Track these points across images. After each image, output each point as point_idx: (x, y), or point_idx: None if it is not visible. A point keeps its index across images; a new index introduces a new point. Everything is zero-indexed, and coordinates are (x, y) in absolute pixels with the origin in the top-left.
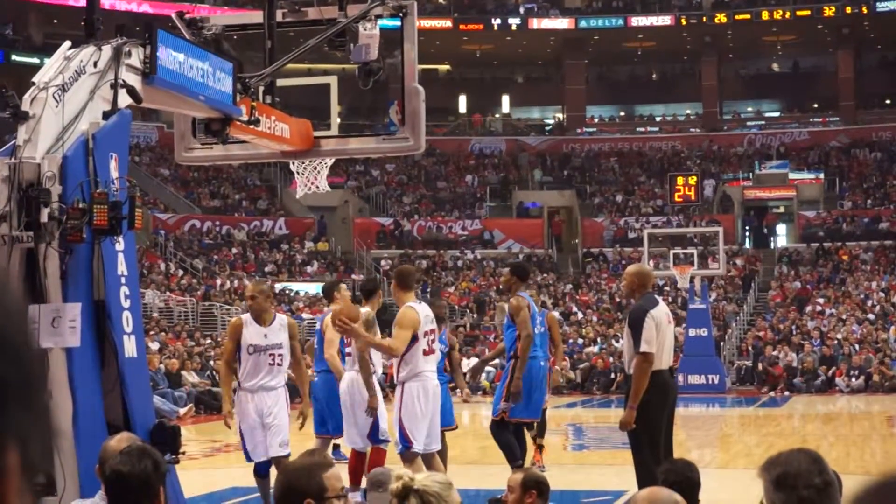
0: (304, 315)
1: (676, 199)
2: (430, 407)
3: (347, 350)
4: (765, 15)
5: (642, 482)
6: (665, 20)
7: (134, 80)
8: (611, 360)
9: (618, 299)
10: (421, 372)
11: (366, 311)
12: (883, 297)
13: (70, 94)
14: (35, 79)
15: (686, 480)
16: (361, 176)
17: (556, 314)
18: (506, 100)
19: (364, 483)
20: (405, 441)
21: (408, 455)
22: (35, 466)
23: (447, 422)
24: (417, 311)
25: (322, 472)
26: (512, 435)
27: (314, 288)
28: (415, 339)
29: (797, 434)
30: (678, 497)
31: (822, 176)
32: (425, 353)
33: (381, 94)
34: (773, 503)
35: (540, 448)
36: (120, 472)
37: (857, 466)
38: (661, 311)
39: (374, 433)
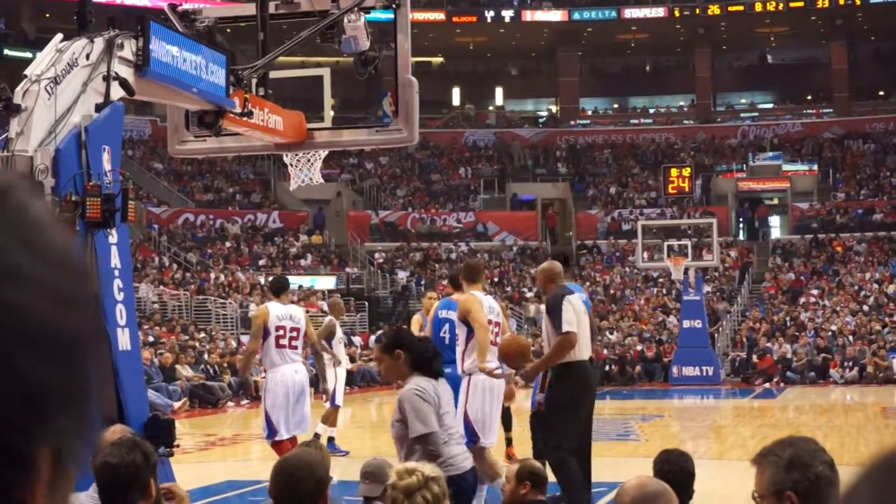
0: None
1: (670, 190)
2: (495, 400)
3: (294, 343)
4: (758, 6)
5: (555, 464)
6: (658, 12)
7: (126, 73)
8: (605, 351)
9: (612, 291)
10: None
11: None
12: (877, 289)
13: (62, 87)
14: (27, 71)
15: (680, 471)
16: (355, 169)
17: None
18: (499, 92)
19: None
20: (472, 435)
21: (476, 450)
22: (71, 469)
23: None
24: (481, 301)
25: (322, 467)
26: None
27: (308, 281)
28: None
29: (791, 425)
30: (665, 486)
31: (815, 167)
32: (491, 343)
33: (375, 86)
34: (780, 486)
35: (509, 441)
36: (109, 464)
37: (852, 458)
38: (577, 300)
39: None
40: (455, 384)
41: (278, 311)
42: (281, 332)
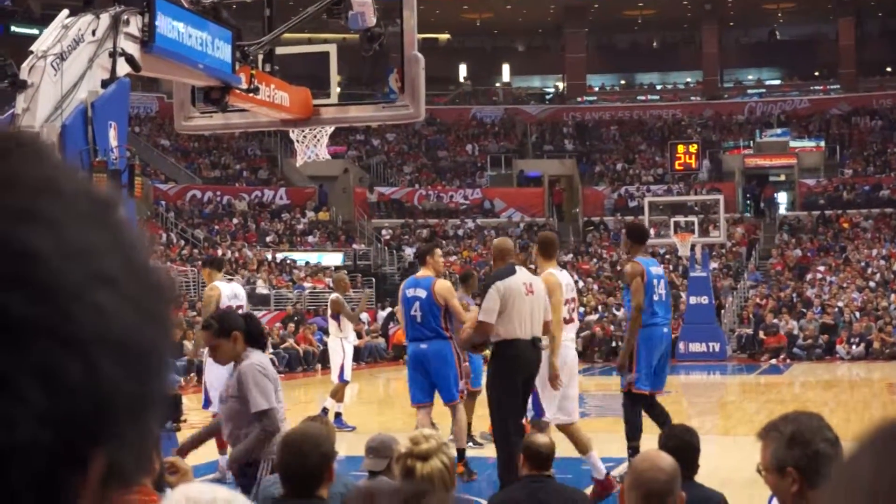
0: (306, 285)
1: (677, 167)
2: (566, 377)
3: None
4: None
5: (499, 438)
6: None
7: (132, 49)
8: (612, 328)
9: (619, 268)
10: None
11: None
12: (883, 265)
13: (68, 63)
14: (33, 47)
15: (686, 446)
16: (362, 145)
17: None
18: (506, 68)
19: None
20: (539, 409)
21: (539, 424)
22: (126, 477)
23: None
24: (560, 281)
25: (328, 442)
26: (641, 412)
27: (315, 257)
28: None
29: (798, 401)
30: (673, 460)
31: (822, 144)
32: (565, 321)
33: (381, 62)
34: (782, 462)
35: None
36: None
37: (858, 433)
38: (516, 281)
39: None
40: (434, 359)
41: (227, 291)
42: None
